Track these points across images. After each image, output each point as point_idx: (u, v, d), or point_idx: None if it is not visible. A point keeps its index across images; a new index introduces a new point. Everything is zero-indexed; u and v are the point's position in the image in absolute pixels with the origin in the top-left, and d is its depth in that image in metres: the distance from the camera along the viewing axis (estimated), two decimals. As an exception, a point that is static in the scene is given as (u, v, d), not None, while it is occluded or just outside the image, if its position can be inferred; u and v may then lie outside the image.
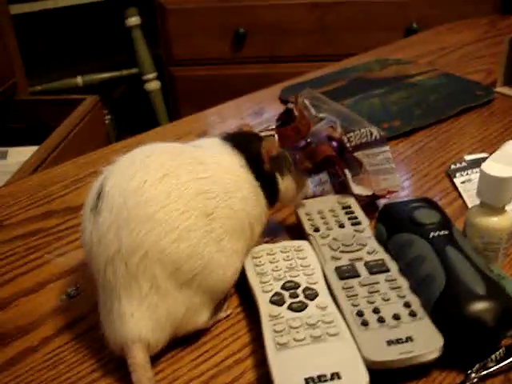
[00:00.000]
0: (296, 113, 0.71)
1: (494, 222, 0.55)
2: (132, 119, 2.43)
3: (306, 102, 0.73)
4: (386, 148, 0.70)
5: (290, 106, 0.73)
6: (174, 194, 0.50)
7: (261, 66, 2.03)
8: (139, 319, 0.48)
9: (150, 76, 2.19)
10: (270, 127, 0.78)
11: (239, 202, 0.55)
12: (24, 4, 1.90)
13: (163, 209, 0.49)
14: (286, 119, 0.75)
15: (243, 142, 0.60)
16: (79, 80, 2.16)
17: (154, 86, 2.20)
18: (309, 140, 0.72)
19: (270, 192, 0.60)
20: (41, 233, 0.70)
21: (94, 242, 0.49)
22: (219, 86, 2.05)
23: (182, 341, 0.52)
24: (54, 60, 2.26)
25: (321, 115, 0.74)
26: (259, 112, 0.97)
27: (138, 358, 0.48)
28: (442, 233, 0.54)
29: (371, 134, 0.71)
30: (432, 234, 0.54)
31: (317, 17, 1.96)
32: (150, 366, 0.48)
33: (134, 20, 2.14)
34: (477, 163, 0.77)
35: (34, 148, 1.38)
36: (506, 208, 0.56)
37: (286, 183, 0.62)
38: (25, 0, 1.90)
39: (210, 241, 0.51)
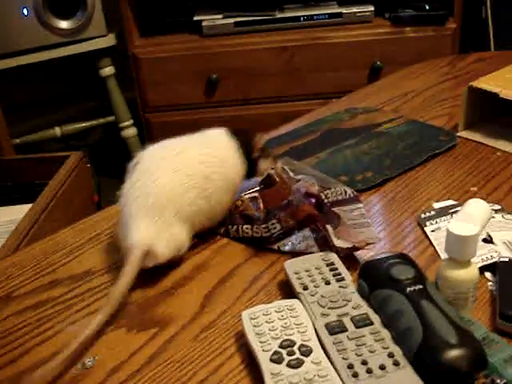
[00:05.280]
0: (277, 178, 0.79)
1: (461, 274, 0.63)
2: (111, 165, 2.49)
3: (285, 167, 0.81)
4: (360, 205, 0.78)
5: (271, 171, 0.81)
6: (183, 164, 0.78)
7: (234, 109, 2.11)
8: (146, 232, 0.73)
9: (127, 123, 2.26)
10: (254, 189, 0.85)
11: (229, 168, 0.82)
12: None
13: (177, 172, 0.77)
14: (267, 183, 0.82)
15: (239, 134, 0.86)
16: (57, 131, 2.23)
17: (130, 132, 2.27)
18: (290, 199, 0.80)
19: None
20: (49, 302, 0.76)
21: (127, 187, 0.77)
22: (195, 130, 2.12)
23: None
24: (31, 111, 2.32)
25: (298, 177, 0.81)
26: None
27: (133, 258, 0.71)
28: (417, 287, 0.61)
29: (345, 192, 0.79)
30: (408, 290, 0.61)
31: (285, 59, 2.05)
32: (136, 272, 0.71)
33: (108, 70, 2.21)
34: (444, 211, 0.84)
35: (24, 206, 1.43)
36: (472, 260, 0.64)
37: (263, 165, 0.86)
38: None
39: (205, 195, 0.78)
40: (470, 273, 0.63)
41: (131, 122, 2.27)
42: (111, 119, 2.29)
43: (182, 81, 2.09)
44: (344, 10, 2.05)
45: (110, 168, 2.47)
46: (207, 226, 0.83)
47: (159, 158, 0.79)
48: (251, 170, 0.85)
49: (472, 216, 0.63)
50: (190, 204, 0.77)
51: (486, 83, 1.09)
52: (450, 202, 0.87)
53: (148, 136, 2.18)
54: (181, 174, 0.77)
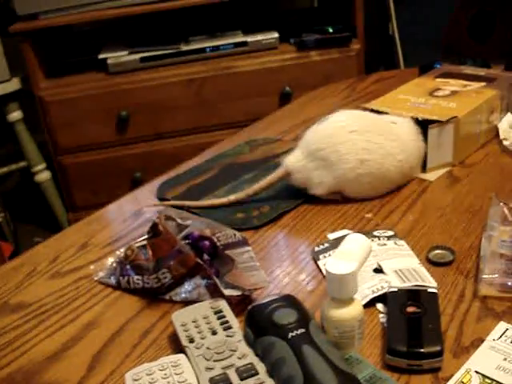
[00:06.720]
0: (161, 228, 0.77)
1: (344, 313, 0.62)
2: (28, 211, 2.42)
3: (172, 214, 0.78)
4: (249, 248, 0.77)
5: (156, 220, 0.78)
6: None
7: (147, 145, 2.09)
8: (293, 161, 0.95)
9: (39, 167, 2.20)
10: (143, 238, 0.82)
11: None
12: None
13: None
14: (154, 231, 0.80)
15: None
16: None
17: (44, 177, 2.21)
18: (179, 247, 0.78)
19: None
20: None
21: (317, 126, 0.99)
22: (109, 169, 2.09)
23: None
24: None
25: (187, 222, 0.79)
26: (139, 213, 1.00)
27: (278, 172, 0.96)
28: (299, 331, 0.60)
29: (234, 235, 0.77)
30: (290, 335, 0.59)
31: (194, 91, 2.04)
32: (274, 180, 0.97)
33: (15, 115, 2.15)
34: (338, 242, 0.83)
35: None
36: (354, 297, 0.63)
37: None
38: None
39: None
40: (353, 311, 0.62)
41: (44, 165, 2.21)
42: (23, 164, 2.23)
43: (92, 120, 2.05)
44: (249, 39, 2.06)
45: (27, 214, 2.41)
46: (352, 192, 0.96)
47: (351, 121, 0.98)
48: None
49: (351, 252, 0.62)
50: (337, 161, 0.93)
51: (377, 106, 1.10)
52: (345, 232, 0.87)
53: (62, 179, 2.13)
54: (347, 141, 0.94)
